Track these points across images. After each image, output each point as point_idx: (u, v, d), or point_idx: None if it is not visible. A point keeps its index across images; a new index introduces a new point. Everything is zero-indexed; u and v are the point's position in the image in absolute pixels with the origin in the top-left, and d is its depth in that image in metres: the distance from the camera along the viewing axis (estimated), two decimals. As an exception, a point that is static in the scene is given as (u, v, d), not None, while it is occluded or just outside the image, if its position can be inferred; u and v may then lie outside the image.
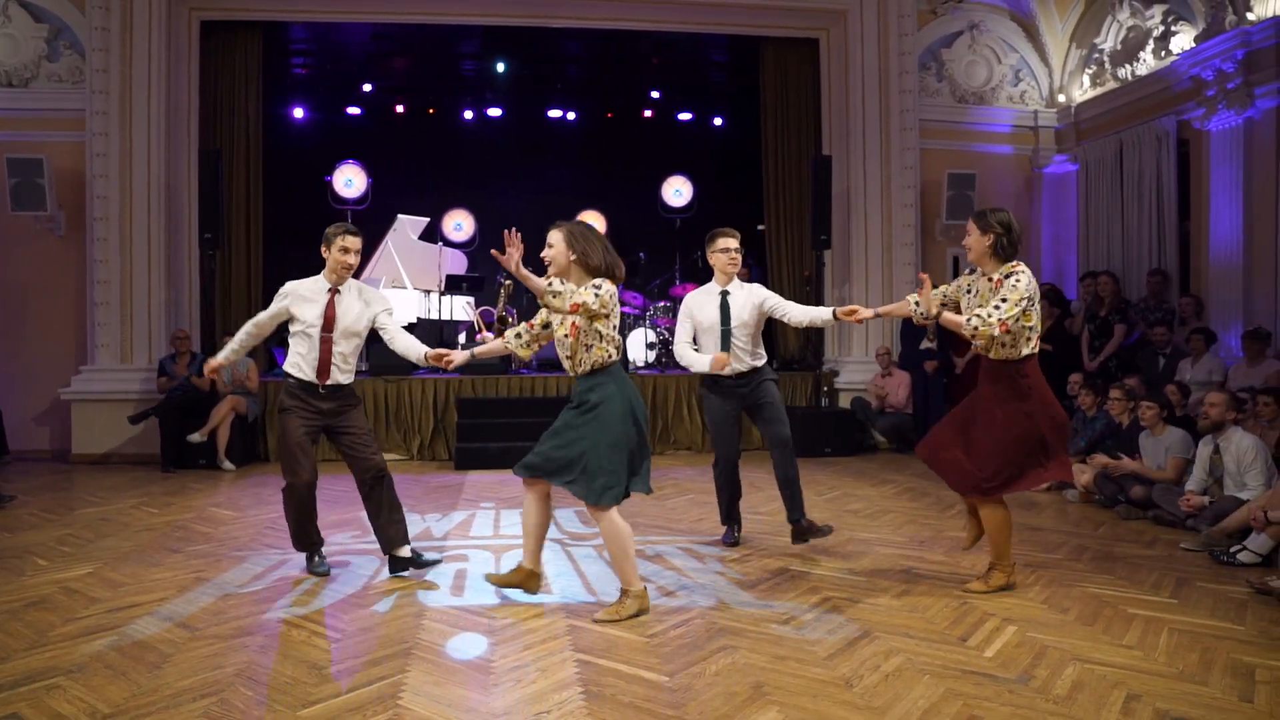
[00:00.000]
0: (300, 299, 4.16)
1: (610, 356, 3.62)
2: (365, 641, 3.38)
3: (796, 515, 4.68)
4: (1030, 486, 4.01)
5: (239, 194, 9.08)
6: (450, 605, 3.84)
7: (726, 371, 4.61)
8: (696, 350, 4.72)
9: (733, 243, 4.69)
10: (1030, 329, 3.79)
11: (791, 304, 4.69)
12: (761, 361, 4.70)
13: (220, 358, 4.23)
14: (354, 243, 4.17)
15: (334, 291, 4.17)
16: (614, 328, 3.62)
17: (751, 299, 4.67)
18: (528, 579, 3.85)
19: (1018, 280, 3.72)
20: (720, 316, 4.64)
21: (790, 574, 4.30)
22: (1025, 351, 3.81)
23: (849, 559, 4.59)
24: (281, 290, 4.21)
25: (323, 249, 4.16)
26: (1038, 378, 3.88)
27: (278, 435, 4.31)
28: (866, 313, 4.24)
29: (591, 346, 3.59)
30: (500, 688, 2.94)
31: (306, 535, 4.31)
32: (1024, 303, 3.68)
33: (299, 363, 4.14)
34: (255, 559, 4.62)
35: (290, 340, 4.20)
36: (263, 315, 4.26)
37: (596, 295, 3.47)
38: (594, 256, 3.57)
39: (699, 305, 4.73)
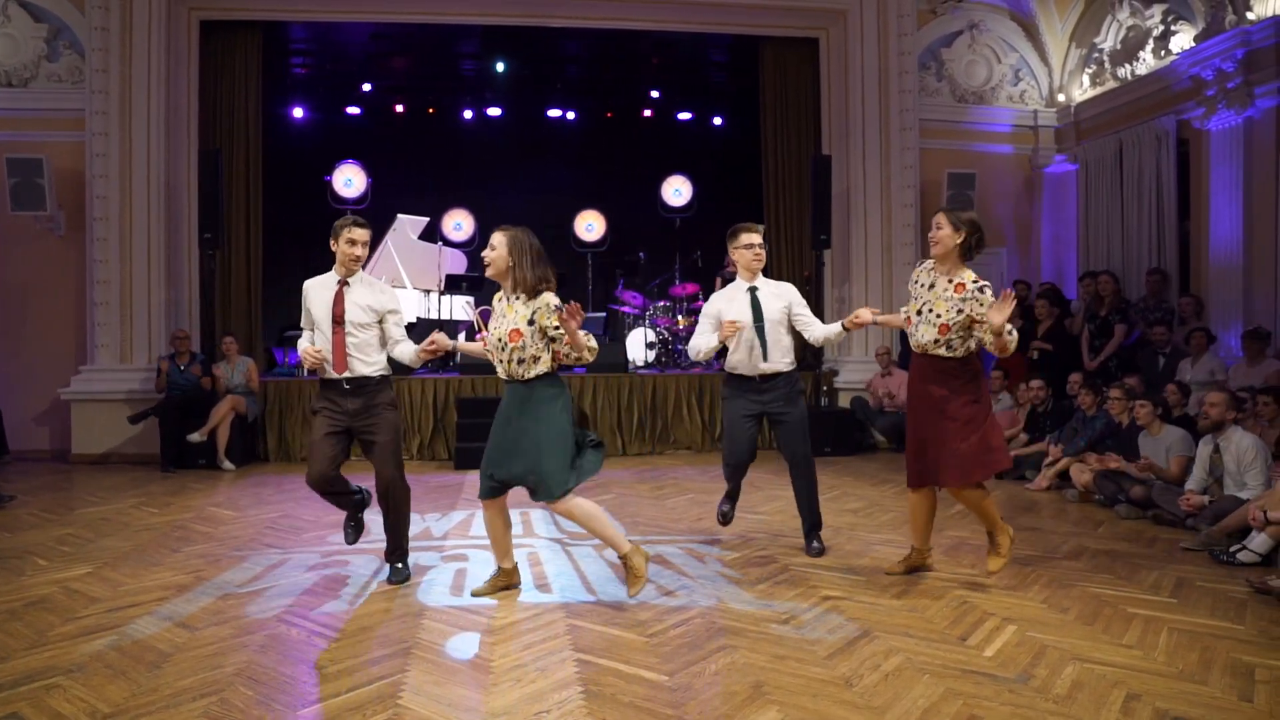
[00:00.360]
0: (314, 295, 4.17)
1: (555, 366, 3.77)
2: (365, 641, 3.38)
3: (811, 526, 4.67)
4: (1002, 465, 4.03)
5: (239, 194, 9.08)
6: (450, 605, 3.84)
7: (753, 372, 4.49)
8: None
9: (756, 238, 4.58)
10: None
11: (816, 322, 4.56)
12: (790, 367, 4.55)
13: (308, 345, 4.16)
14: (360, 234, 4.16)
15: (343, 284, 4.15)
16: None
17: (781, 296, 4.54)
18: (511, 576, 4.03)
19: (986, 291, 3.81)
20: (752, 314, 4.49)
21: (790, 574, 4.30)
22: (973, 349, 3.93)
23: (849, 559, 4.59)
24: (309, 283, 4.22)
25: (331, 242, 4.17)
26: (980, 365, 4.01)
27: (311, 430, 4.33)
28: (866, 315, 4.25)
29: (540, 358, 3.71)
30: (500, 687, 2.94)
31: (338, 501, 4.30)
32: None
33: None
34: (255, 559, 4.62)
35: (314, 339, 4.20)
36: (305, 320, 4.23)
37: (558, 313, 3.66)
38: (529, 268, 3.71)
39: (726, 304, 4.57)
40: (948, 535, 5.10)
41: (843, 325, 4.38)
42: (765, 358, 4.48)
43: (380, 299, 4.18)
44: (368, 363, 4.12)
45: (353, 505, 4.38)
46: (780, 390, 4.52)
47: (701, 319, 4.67)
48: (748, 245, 4.56)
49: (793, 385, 4.57)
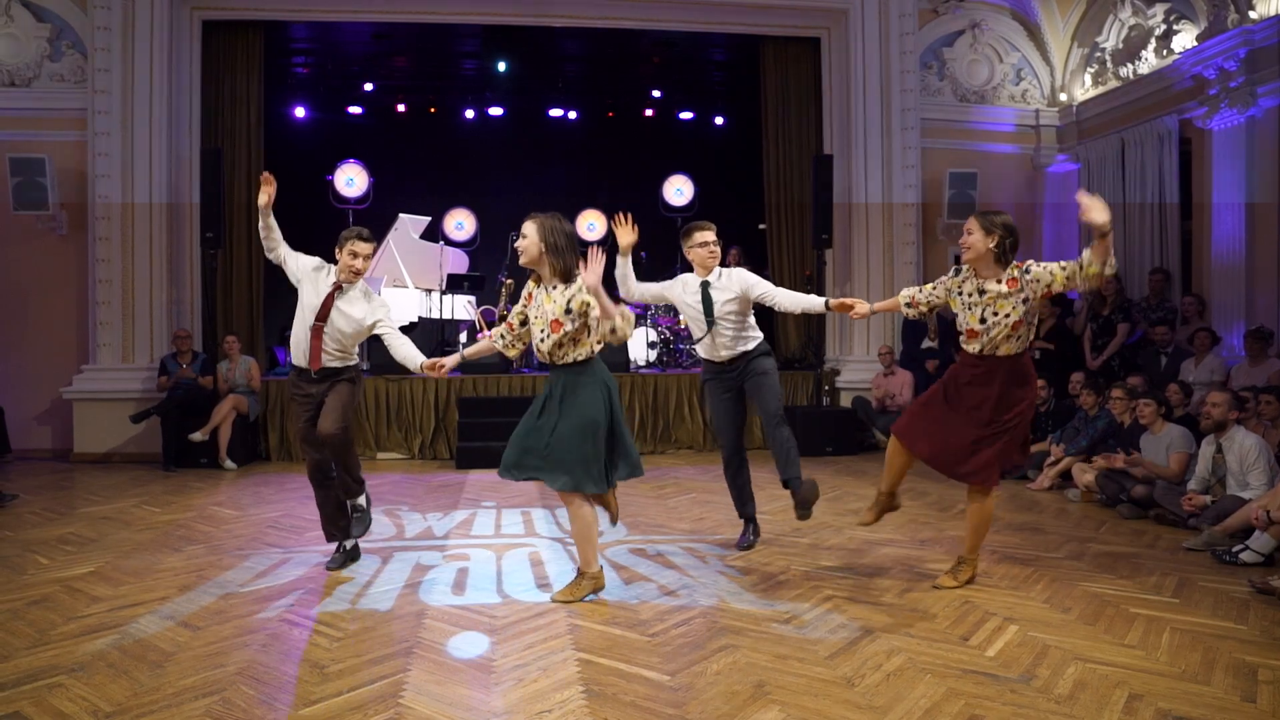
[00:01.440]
0: (309, 278, 4.24)
1: (594, 349, 3.76)
2: (367, 640, 3.38)
3: (790, 474, 4.56)
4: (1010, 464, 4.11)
5: (240, 193, 9.08)
6: (452, 604, 3.84)
7: (717, 357, 4.65)
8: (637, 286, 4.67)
9: (710, 235, 4.65)
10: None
11: (781, 291, 4.64)
12: (752, 345, 4.65)
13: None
14: (362, 248, 4.21)
15: (337, 288, 4.21)
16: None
17: (732, 288, 4.60)
18: (583, 587, 3.87)
19: (1041, 264, 3.76)
20: (704, 309, 4.61)
21: (792, 573, 4.29)
22: (1028, 343, 3.90)
23: (850, 558, 4.59)
24: (309, 259, 4.29)
25: (336, 249, 4.25)
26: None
27: (292, 419, 4.48)
28: (864, 308, 4.24)
29: (579, 341, 3.72)
30: (502, 687, 2.94)
31: (327, 523, 4.43)
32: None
33: (295, 346, 4.28)
34: (256, 558, 4.62)
35: (295, 321, 4.30)
36: (286, 251, 4.29)
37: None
38: (561, 253, 3.70)
39: (684, 291, 4.69)
40: (949, 535, 5.10)
41: (826, 303, 4.41)
42: (721, 349, 4.64)
43: (367, 313, 4.23)
44: (339, 356, 4.26)
45: (333, 531, 4.43)
46: (742, 366, 4.65)
47: (661, 282, 4.78)
48: (702, 244, 4.64)
49: (754, 354, 4.66)
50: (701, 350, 4.77)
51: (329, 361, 4.22)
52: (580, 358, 3.73)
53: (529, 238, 3.74)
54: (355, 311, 4.20)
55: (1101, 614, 3.66)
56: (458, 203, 11.24)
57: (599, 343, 3.73)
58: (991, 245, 3.77)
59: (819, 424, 8.53)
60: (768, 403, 4.59)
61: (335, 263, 4.28)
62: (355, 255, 4.19)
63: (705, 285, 4.64)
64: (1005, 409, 3.86)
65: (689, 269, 4.77)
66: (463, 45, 10.78)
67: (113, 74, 8.30)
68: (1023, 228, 10.27)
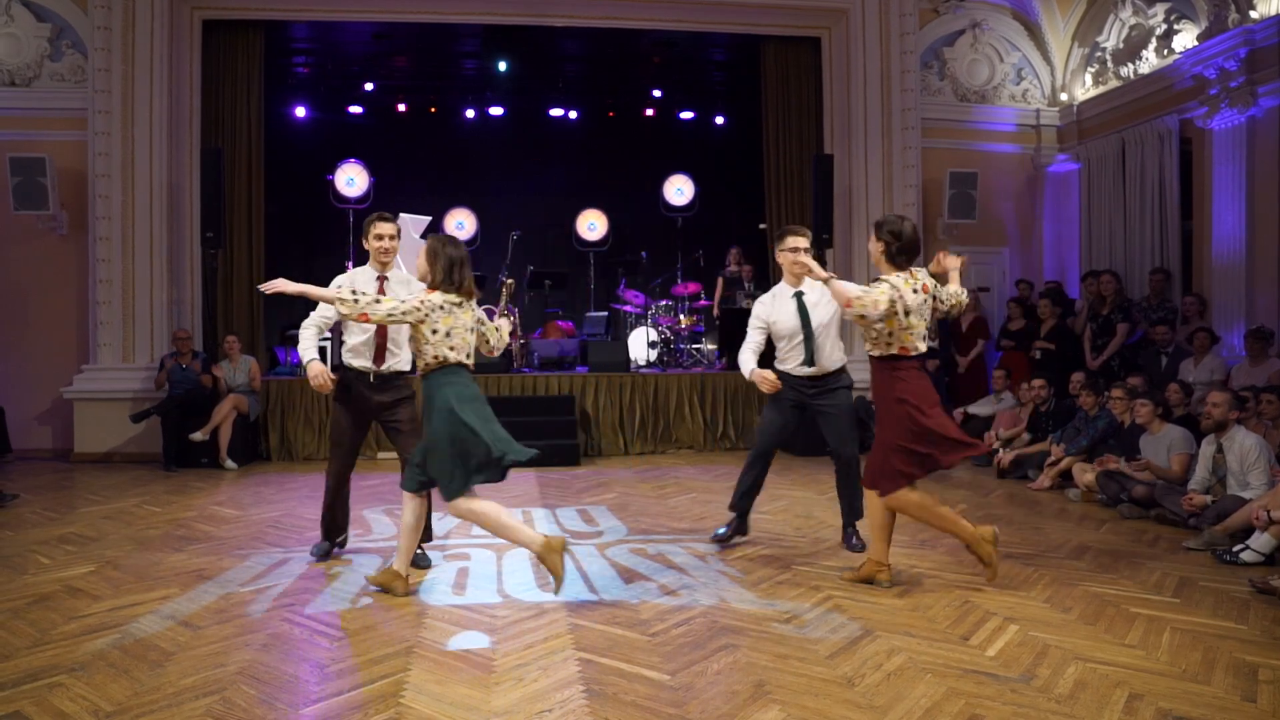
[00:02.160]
0: (356, 286, 4.26)
1: (437, 358, 3.79)
2: (367, 640, 3.38)
3: (848, 522, 4.70)
4: (910, 480, 4.09)
5: (241, 193, 9.09)
6: (452, 604, 3.84)
7: (800, 373, 4.51)
8: (755, 358, 4.58)
9: (803, 242, 4.48)
10: (906, 332, 3.89)
11: None
12: (839, 364, 4.53)
13: (315, 357, 4.29)
14: (386, 228, 4.33)
15: (382, 279, 4.34)
16: (445, 334, 3.78)
17: (828, 296, 4.47)
18: (393, 580, 3.96)
19: (880, 288, 3.82)
20: (800, 320, 4.46)
21: (792, 573, 4.30)
22: (894, 351, 3.94)
23: (851, 559, 4.59)
24: (335, 282, 4.33)
25: (363, 240, 4.38)
26: (911, 380, 3.98)
27: (330, 419, 4.65)
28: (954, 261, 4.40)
29: (423, 350, 3.80)
30: (502, 686, 2.94)
31: (331, 519, 4.52)
32: (884, 303, 3.76)
33: (354, 352, 4.30)
34: (257, 557, 4.63)
35: (345, 331, 4.35)
36: (321, 315, 4.33)
37: (417, 306, 3.70)
38: (437, 271, 3.77)
39: (773, 310, 4.53)
40: (949, 535, 5.08)
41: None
42: (812, 362, 4.48)
43: (409, 296, 4.31)
44: (398, 356, 4.35)
45: (331, 528, 4.55)
46: (825, 387, 4.55)
47: (750, 328, 4.61)
48: (793, 249, 4.48)
49: (840, 383, 4.59)
50: (785, 364, 4.55)
51: (392, 362, 4.32)
52: (427, 368, 3.82)
53: (421, 256, 3.84)
54: (403, 294, 4.28)
55: (1102, 614, 3.66)
56: (458, 202, 11.23)
57: (437, 357, 3.80)
58: (880, 250, 3.95)
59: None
60: (844, 448, 4.55)
61: (364, 260, 4.40)
62: (380, 236, 4.31)
63: (800, 295, 4.50)
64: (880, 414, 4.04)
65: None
66: (463, 45, 10.78)
67: (113, 74, 8.30)
68: (1023, 227, 10.36)
